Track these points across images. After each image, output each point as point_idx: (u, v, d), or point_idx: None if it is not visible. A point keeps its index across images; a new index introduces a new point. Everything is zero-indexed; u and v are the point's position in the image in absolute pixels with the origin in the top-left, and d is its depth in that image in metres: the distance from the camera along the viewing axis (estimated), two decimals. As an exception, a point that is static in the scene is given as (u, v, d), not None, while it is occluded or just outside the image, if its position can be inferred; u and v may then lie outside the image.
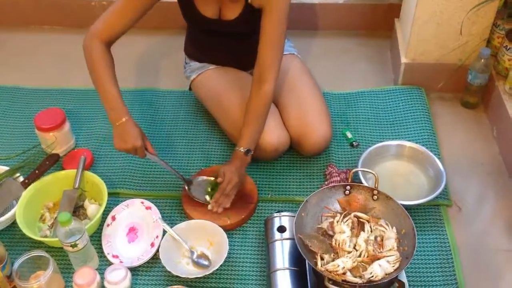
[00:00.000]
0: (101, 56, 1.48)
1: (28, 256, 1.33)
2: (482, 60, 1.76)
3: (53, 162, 1.64)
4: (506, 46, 1.75)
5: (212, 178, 1.57)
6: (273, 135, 1.59)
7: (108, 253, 1.45)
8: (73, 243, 1.32)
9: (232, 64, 1.77)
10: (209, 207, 1.53)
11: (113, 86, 1.48)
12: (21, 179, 1.60)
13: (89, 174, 1.58)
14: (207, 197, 1.56)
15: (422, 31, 1.81)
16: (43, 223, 1.54)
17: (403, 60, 1.91)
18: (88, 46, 1.49)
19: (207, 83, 1.75)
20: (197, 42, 1.78)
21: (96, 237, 1.51)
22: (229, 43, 1.70)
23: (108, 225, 1.51)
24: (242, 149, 1.52)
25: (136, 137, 1.47)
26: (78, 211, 1.56)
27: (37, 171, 1.59)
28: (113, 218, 1.53)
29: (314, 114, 1.65)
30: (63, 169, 1.67)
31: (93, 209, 1.55)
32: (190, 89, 1.86)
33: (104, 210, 1.51)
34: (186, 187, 1.57)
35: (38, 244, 1.49)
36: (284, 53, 1.60)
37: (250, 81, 1.68)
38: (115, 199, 1.61)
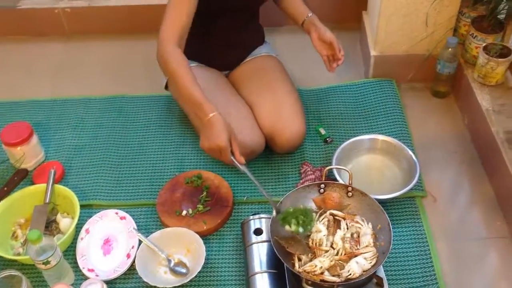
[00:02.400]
0: (178, 61, 1.46)
1: (1, 276, 1.30)
2: (450, 49, 1.77)
3: (21, 178, 1.61)
4: (473, 34, 1.76)
5: (301, 206, 1.37)
6: (249, 137, 1.58)
7: (83, 267, 1.43)
8: (45, 261, 1.29)
9: (215, 62, 1.75)
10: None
11: (198, 88, 1.42)
12: (-10, 196, 1.56)
13: (59, 187, 1.55)
14: (292, 227, 1.30)
15: (389, 23, 1.81)
16: (15, 240, 1.51)
17: (373, 53, 1.91)
18: (163, 54, 1.46)
19: None
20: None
21: (70, 252, 1.48)
22: (223, 31, 1.68)
23: (82, 239, 1.48)
24: (310, 14, 1.67)
25: (220, 135, 1.35)
26: (50, 226, 1.53)
27: (5, 188, 1.56)
28: (87, 231, 1.50)
29: (287, 109, 1.64)
30: (33, 183, 1.63)
31: (66, 223, 1.51)
32: (166, 87, 1.82)
33: (78, 223, 1.48)
34: (275, 214, 1.36)
35: (11, 263, 1.45)
36: (262, 54, 1.64)
37: (227, 83, 1.68)
38: (88, 211, 1.58)
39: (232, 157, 1.38)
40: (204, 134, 1.40)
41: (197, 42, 1.71)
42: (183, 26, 1.49)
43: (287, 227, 1.29)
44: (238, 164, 1.38)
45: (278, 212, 1.34)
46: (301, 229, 1.28)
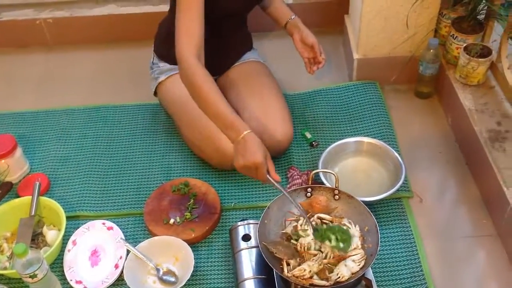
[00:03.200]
0: (204, 77, 1.41)
1: (-13, 292, 1.29)
2: (431, 51, 1.78)
3: (6, 191, 1.59)
4: (453, 35, 1.78)
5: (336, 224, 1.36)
6: None
7: (71, 280, 1.41)
8: (32, 274, 1.28)
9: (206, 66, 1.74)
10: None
11: (227, 105, 1.38)
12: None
13: (45, 200, 1.54)
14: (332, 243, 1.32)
15: (371, 26, 1.83)
16: (1, 254, 1.49)
17: (355, 56, 1.93)
18: (186, 70, 1.41)
19: (175, 86, 1.69)
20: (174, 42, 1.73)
21: (57, 264, 1.46)
22: (212, 38, 1.64)
23: (69, 250, 1.47)
24: (293, 16, 1.67)
25: (256, 152, 1.32)
26: (37, 238, 1.52)
27: (-10, 202, 1.54)
28: (74, 243, 1.49)
29: (274, 114, 1.64)
30: (18, 196, 1.62)
31: (52, 235, 1.50)
32: (155, 93, 1.81)
33: (64, 235, 1.47)
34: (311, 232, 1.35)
35: (-2, 277, 1.44)
36: (250, 59, 1.64)
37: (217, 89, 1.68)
38: (75, 222, 1.57)
39: (268, 175, 1.35)
40: (239, 152, 1.35)
41: None
42: (198, 35, 1.43)
43: (327, 242, 1.30)
44: (274, 182, 1.35)
45: (315, 230, 1.32)
46: (341, 245, 1.29)
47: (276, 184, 1.35)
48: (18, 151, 1.67)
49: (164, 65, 1.75)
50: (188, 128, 1.67)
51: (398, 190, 1.53)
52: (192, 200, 1.57)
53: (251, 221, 1.43)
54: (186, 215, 1.53)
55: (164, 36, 1.73)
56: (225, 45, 1.70)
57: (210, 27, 1.64)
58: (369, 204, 1.41)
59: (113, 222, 1.52)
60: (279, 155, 1.70)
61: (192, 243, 1.47)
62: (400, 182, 1.52)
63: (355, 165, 1.66)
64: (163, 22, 1.77)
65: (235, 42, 1.76)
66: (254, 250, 1.37)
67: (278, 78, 1.90)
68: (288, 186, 1.61)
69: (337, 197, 1.41)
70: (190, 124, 1.66)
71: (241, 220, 1.45)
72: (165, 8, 1.75)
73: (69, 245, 1.48)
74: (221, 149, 1.56)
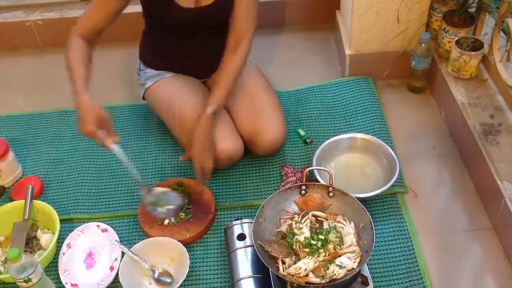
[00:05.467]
0: (76, 47, 1.48)
1: (-19, 297, 1.28)
2: (423, 45, 1.78)
3: (-1, 195, 1.58)
4: (445, 28, 1.77)
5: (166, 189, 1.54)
6: (228, 144, 1.58)
7: (66, 283, 1.41)
8: (26, 278, 1.27)
9: (190, 72, 1.74)
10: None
11: (80, 67, 1.45)
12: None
13: (38, 203, 1.53)
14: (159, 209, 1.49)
15: (362, 21, 1.82)
16: (-5, 259, 1.48)
17: (348, 51, 1.92)
18: (66, 44, 1.50)
19: (162, 91, 1.70)
20: (158, 47, 1.72)
21: (52, 267, 1.46)
22: (194, 44, 1.66)
23: (63, 254, 1.46)
24: (210, 108, 1.50)
25: (85, 121, 1.36)
26: (31, 242, 1.51)
27: (-17, 206, 1.53)
28: (69, 246, 1.48)
29: (266, 113, 1.64)
30: (11, 200, 1.61)
31: (46, 238, 1.49)
32: (143, 98, 1.81)
33: (59, 238, 1.46)
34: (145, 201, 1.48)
35: (-8, 282, 1.43)
36: None
37: (205, 90, 1.66)
38: (69, 225, 1.56)
39: (106, 142, 1.38)
40: (78, 119, 1.40)
41: (171, 53, 1.70)
42: (97, 21, 1.52)
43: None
44: (113, 148, 1.39)
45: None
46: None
47: (115, 150, 1.39)
48: (10, 155, 1.66)
49: (150, 71, 1.75)
50: (177, 130, 1.69)
51: (392, 185, 1.52)
52: (186, 200, 1.56)
53: (245, 220, 1.43)
54: (181, 215, 1.53)
55: (148, 43, 1.75)
56: (212, 50, 1.65)
57: (195, 35, 1.64)
58: (363, 200, 1.41)
59: (108, 224, 1.51)
60: (273, 154, 1.69)
61: (187, 244, 1.47)
62: (395, 178, 1.52)
63: (349, 162, 1.66)
64: (145, 30, 1.76)
65: (221, 46, 1.64)
66: (249, 249, 1.37)
67: (271, 75, 1.90)
68: (283, 184, 1.60)
69: (331, 194, 1.41)
70: (178, 126, 1.67)
71: (236, 220, 1.44)
72: (155, 7, 1.73)
73: (64, 248, 1.47)
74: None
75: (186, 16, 1.58)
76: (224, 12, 1.59)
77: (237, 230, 1.41)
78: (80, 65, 1.46)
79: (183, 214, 1.53)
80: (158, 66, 1.73)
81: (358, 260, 1.27)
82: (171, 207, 1.49)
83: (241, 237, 1.39)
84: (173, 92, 1.68)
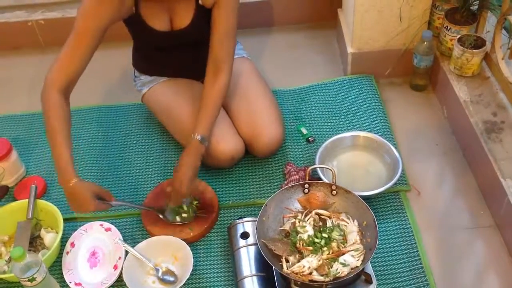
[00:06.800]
0: (56, 111, 1.38)
1: (-15, 297, 1.28)
2: (425, 43, 1.78)
3: (2, 195, 1.59)
4: (447, 26, 1.77)
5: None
6: (228, 144, 1.58)
7: (70, 282, 1.41)
8: (30, 278, 1.28)
9: (184, 75, 1.74)
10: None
11: (65, 148, 1.36)
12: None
13: (41, 202, 1.53)
14: (178, 218, 1.52)
15: (365, 20, 1.82)
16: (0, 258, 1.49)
17: (350, 50, 1.92)
18: (44, 98, 1.40)
19: (158, 96, 1.72)
20: (148, 57, 1.73)
21: (56, 267, 1.46)
22: (181, 55, 1.66)
23: (67, 253, 1.47)
24: (198, 136, 1.47)
25: (85, 203, 1.36)
26: (35, 241, 1.51)
27: (-14, 206, 1.53)
28: (72, 245, 1.48)
29: (263, 115, 1.64)
30: (15, 199, 1.61)
31: (50, 237, 1.50)
32: (142, 99, 1.81)
33: (62, 237, 1.46)
34: (161, 216, 1.51)
35: (-4, 282, 1.44)
36: (235, 56, 1.58)
37: (202, 88, 1.66)
38: (73, 224, 1.56)
39: (108, 203, 1.41)
40: (70, 199, 1.38)
41: (161, 63, 1.70)
42: (73, 71, 1.42)
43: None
44: (116, 203, 1.43)
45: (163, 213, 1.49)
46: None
47: (118, 203, 1.44)
48: (14, 154, 1.66)
49: (145, 78, 1.76)
50: (176, 133, 1.70)
51: (395, 183, 1.53)
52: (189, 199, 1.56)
53: (249, 219, 1.43)
54: (194, 203, 1.53)
55: (137, 55, 1.76)
56: (205, 54, 1.60)
57: (179, 50, 1.64)
58: (366, 198, 1.41)
59: (111, 223, 1.51)
60: (271, 155, 1.70)
61: (191, 242, 1.47)
62: (397, 176, 1.52)
63: (352, 160, 1.66)
64: (133, 43, 1.76)
65: (206, 53, 1.60)
66: (252, 247, 1.37)
67: (272, 74, 1.90)
68: (286, 182, 1.61)
69: (334, 192, 1.41)
70: (176, 129, 1.68)
71: (239, 218, 1.44)
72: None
73: (68, 247, 1.48)
74: (211, 151, 1.56)
75: (162, 39, 1.57)
76: (201, 33, 1.56)
77: (240, 228, 1.41)
78: (63, 138, 1.37)
79: (196, 201, 1.54)
80: (151, 73, 1.74)
81: (361, 258, 1.28)
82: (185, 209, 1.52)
83: (245, 235, 1.40)
84: (168, 97, 1.69)
